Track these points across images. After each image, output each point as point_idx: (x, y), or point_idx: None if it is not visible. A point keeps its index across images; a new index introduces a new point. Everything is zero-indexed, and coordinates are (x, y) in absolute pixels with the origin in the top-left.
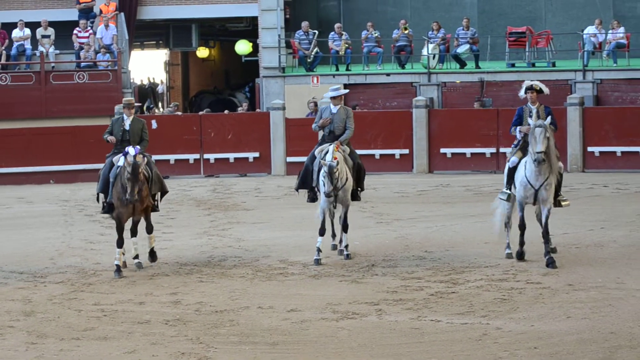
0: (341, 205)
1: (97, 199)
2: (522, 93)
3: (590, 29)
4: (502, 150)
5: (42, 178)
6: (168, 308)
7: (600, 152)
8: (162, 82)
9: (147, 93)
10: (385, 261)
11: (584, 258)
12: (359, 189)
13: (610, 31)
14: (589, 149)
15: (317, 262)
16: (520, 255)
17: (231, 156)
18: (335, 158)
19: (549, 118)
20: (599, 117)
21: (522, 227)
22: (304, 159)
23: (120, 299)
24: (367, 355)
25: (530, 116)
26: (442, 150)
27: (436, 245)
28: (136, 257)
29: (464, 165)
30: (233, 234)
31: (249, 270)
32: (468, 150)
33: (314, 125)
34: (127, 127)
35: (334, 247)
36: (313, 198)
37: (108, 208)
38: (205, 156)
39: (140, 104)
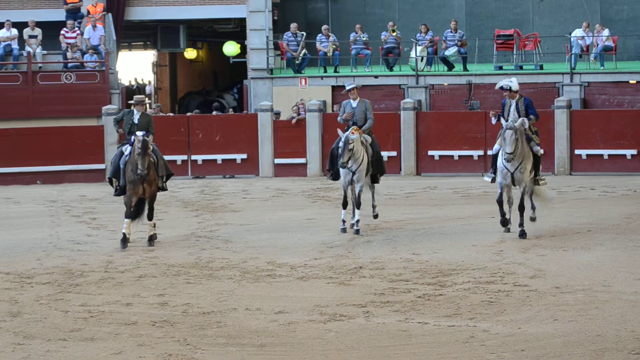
0: (357, 184)
1: (111, 183)
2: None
3: (577, 32)
4: (489, 152)
5: (29, 179)
6: (155, 309)
7: (588, 155)
8: (149, 83)
9: (134, 94)
10: (372, 263)
11: (571, 261)
12: (379, 173)
13: (597, 34)
14: (576, 151)
15: (343, 230)
16: (503, 223)
17: (219, 157)
18: (353, 133)
19: (523, 120)
20: (586, 120)
21: (500, 202)
22: (292, 160)
23: (107, 300)
24: (354, 357)
25: (510, 109)
26: (430, 152)
27: (424, 247)
28: (151, 237)
29: (451, 168)
30: (221, 235)
31: (236, 272)
32: (456, 153)
33: (339, 118)
34: (135, 120)
35: (351, 226)
36: (335, 177)
37: (120, 191)
38: (193, 157)
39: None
